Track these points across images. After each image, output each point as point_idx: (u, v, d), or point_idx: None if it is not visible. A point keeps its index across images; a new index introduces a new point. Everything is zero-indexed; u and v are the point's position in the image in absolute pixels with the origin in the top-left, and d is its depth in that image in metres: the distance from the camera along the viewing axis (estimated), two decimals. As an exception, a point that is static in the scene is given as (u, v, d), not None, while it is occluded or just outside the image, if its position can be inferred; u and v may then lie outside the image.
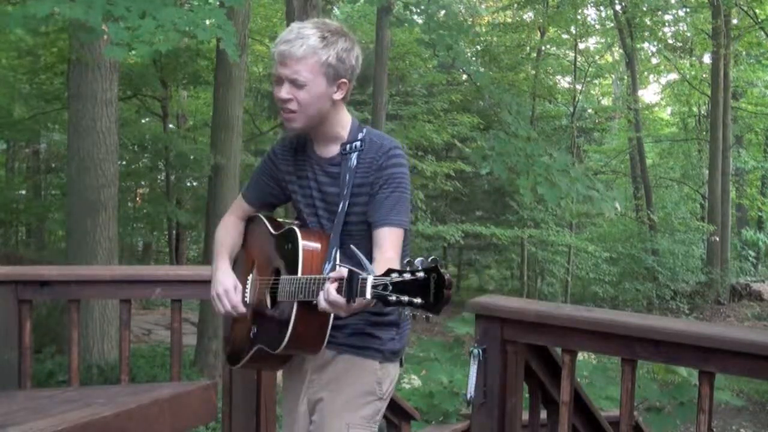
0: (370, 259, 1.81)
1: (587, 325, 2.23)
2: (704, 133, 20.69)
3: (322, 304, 1.63)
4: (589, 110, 21.00)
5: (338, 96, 1.90)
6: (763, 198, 21.62)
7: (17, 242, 17.61)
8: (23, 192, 16.36)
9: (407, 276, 1.45)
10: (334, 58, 1.85)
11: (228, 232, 2.12)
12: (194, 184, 13.93)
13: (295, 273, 1.82)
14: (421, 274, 1.44)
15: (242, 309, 1.97)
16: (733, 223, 20.49)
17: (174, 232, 14.15)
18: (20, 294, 2.69)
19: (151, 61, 10.62)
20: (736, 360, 1.98)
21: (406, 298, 1.43)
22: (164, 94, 12.86)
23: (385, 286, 1.46)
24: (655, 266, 17.72)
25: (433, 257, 1.47)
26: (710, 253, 18.05)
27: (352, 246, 1.66)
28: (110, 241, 7.50)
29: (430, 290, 1.43)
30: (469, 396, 2.31)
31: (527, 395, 2.64)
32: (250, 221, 2.15)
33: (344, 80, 1.89)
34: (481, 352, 2.30)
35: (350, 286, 1.54)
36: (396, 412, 4.06)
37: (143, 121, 14.81)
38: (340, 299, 1.58)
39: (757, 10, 17.87)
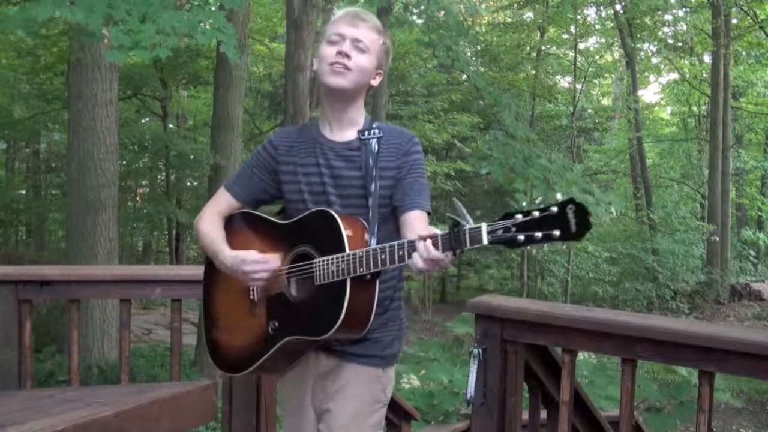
0: (374, 224, 1.87)
1: (587, 325, 2.23)
2: (704, 132, 20.69)
3: (420, 263, 1.64)
4: (589, 110, 20.99)
5: (374, 82, 1.97)
6: (763, 198, 21.61)
7: (17, 242, 17.61)
8: (23, 192, 16.37)
9: (537, 214, 1.51)
10: (386, 46, 1.98)
11: (215, 226, 2.03)
12: (194, 183, 13.92)
13: (337, 251, 1.78)
14: (554, 209, 1.50)
15: (276, 263, 1.89)
16: (733, 222, 20.48)
17: (174, 232, 14.14)
18: (20, 294, 2.69)
19: (151, 62, 10.62)
20: (736, 360, 1.98)
21: (539, 234, 1.50)
22: (164, 94, 12.86)
23: (507, 229, 1.53)
24: (655, 266, 17.71)
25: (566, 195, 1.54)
26: (710, 253, 18.04)
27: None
28: (110, 241, 7.50)
29: (569, 221, 1.50)
30: (469, 396, 2.31)
31: (527, 395, 2.64)
32: (228, 222, 2.04)
33: (381, 71, 1.98)
34: (480, 352, 2.30)
35: (457, 238, 1.58)
36: (396, 412, 4.05)
37: (143, 121, 14.81)
38: (441, 255, 1.62)
39: (756, 10, 17.86)
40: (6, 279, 2.70)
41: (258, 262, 1.87)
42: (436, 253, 1.62)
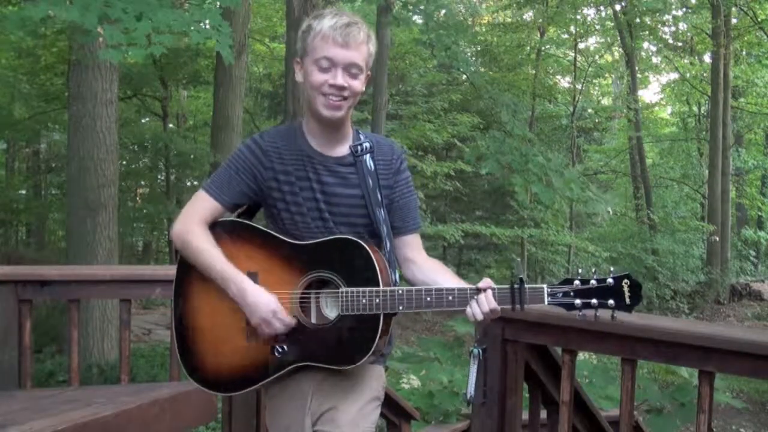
0: (393, 256, 1.86)
1: (587, 324, 2.22)
2: (704, 132, 20.68)
3: (480, 314, 1.69)
4: (589, 110, 20.98)
5: (363, 88, 1.83)
6: (763, 198, 21.60)
7: (17, 242, 17.60)
8: (23, 192, 16.37)
9: (594, 283, 1.68)
10: (373, 48, 1.83)
11: (211, 242, 1.85)
12: (194, 183, 13.93)
13: (368, 285, 1.73)
14: (611, 281, 1.68)
15: (292, 322, 1.79)
16: (733, 222, 20.47)
17: (174, 232, 14.12)
18: (20, 294, 2.69)
19: (151, 61, 10.63)
20: (736, 360, 1.98)
21: (595, 301, 1.68)
22: (164, 94, 12.87)
23: (566, 293, 1.68)
24: (655, 266, 17.70)
25: (623, 269, 1.74)
26: (710, 253, 18.04)
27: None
28: (110, 241, 7.50)
29: (623, 294, 1.68)
30: (469, 396, 2.30)
31: (527, 395, 2.64)
32: (213, 228, 1.89)
33: (369, 74, 1.84)
34: (481, 351, 2.29)
35: (521, 295, 1.69)
36: (396, 412, 4.05)
37: (143, 121, 14.82)
38: (498, 307, 1.70)
39: (757, 10, 17.86)
40: (6, 279, 2.70)
41: (284, 322, 1.76)
42: (495, 305, 1.69)
